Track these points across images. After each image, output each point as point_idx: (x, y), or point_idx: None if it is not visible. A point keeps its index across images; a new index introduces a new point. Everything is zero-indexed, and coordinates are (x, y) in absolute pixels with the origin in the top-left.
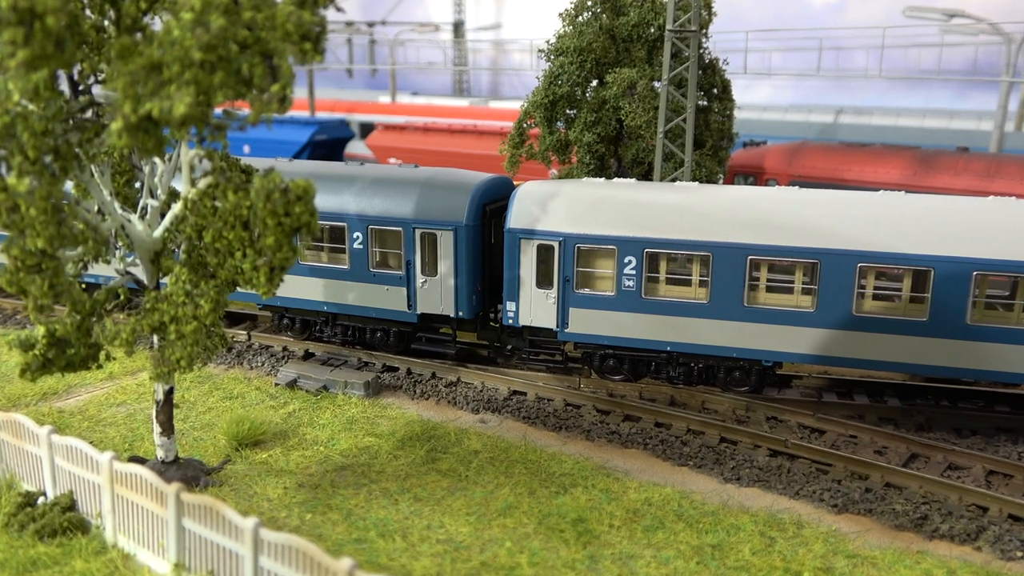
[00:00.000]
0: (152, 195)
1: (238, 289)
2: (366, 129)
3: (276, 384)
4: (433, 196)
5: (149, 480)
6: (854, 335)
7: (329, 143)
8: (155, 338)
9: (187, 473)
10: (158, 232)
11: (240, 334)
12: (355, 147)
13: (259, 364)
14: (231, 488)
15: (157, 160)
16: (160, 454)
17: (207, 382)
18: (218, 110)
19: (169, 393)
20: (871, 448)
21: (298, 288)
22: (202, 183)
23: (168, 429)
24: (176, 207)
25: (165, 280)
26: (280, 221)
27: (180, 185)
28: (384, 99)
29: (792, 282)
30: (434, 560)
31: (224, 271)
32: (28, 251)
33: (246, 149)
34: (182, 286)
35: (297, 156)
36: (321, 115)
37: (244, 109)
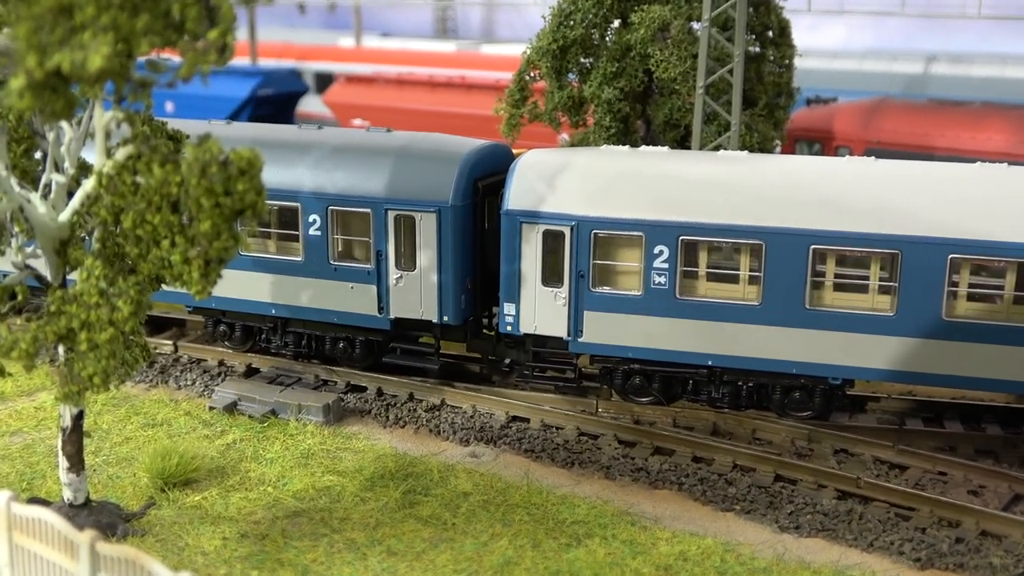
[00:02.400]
0: (58, 169)
1: (163, 287)
2: (323, 81)
3: (211, 408)
4: (410, 168)
5: (56, 527)
6: (944, 345)
7: (276, 99)
8: (61, 349)
9: (101, 519)
10: (65, 215)
11: (164, 344)
12: (309, 104)
13: (189, 383)
14: (156, 538)
15: (64, 125)
16: (67, 495)
17: (124, 405)
18: (141, 59)
19: (78, 419)
20: (964, 488)
21: (239, 286)
22: (120, 154)
23: (77, 464)
24: (88, 184)
25: (74, 276)
26: (218, 201)
27: (92, 156)
28: (346, 42)
29: (867, 278)
30: None
31: (147, 264)
32: None
33: (169, 107)
34: (95, 283)
35: (235, 116)
36: (266, 63)
37: (172, 57)
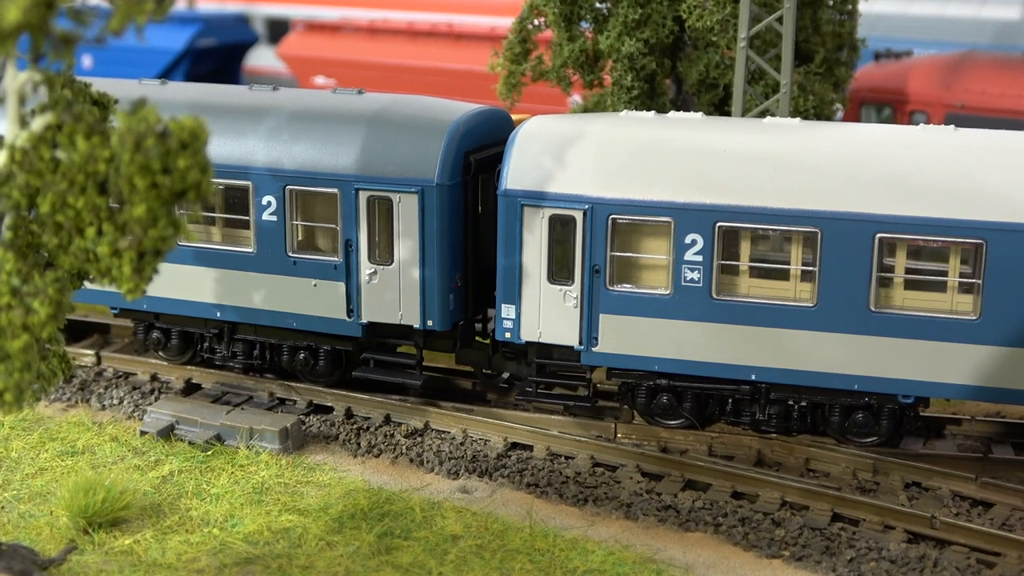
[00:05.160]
0: None
1: (86, 285)
2: (277, 29)
3: (142, 432)
4: (387, 139)
5: None
6: None
7: (218, 52)
8: None
9: (14, 565)
10: None
11: (85, 354)
12: (260, 58)
13: (115, 401)
14: None
15: None
16: None
17: (36, 429)
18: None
19: None
20: None
21: (176, 283)
22: (37, 123)
23: None
24: None
25: None
26: (155, 181)
27: (3, 126)
28: None
29: (944, 274)
30: None
31: (69, 257)
32: None
33: (86, 62)
34: (6, 280)
35: (168, 74)
36: (206, 8)
37: (101, 3)
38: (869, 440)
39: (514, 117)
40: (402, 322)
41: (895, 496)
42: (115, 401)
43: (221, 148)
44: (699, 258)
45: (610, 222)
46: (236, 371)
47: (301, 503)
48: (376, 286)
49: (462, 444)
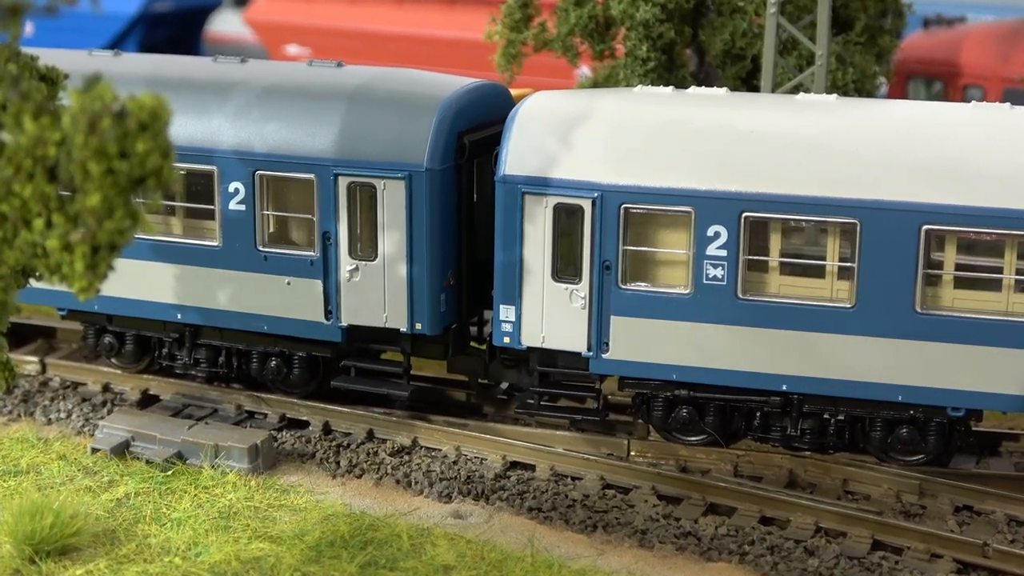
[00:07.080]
0: None
1: (32, 283)
2: None
3: (94, 450)
4: (370, 118)
5: None
6: None
7: (176, 17)
8: None
9: None
10: None
11: (28, 362)
12: (224, 23)
13: (63, 415)
14: None
15: None
16: None
17: None
18: None
19: None
20: None
21: (131, 281)
22: None
23: None
24: None
25: None
26: (111, 167)
27: None
28: None
29: (1000, 271)
30: None
31: (14, 252)
32: None
33: (27, 29)
34: None
35: (119, 43)
36: None
37: None
38: (915, 458)
39: (514, 93)
40: (387, 325)
41: (943, 521)
42: (63, 415)
43: (182, 129)
44: (723, 253)
45: (622, 212)
46: (199, 381)
47: (273, 529)
48: (358, 285)
49: (455, 463)
